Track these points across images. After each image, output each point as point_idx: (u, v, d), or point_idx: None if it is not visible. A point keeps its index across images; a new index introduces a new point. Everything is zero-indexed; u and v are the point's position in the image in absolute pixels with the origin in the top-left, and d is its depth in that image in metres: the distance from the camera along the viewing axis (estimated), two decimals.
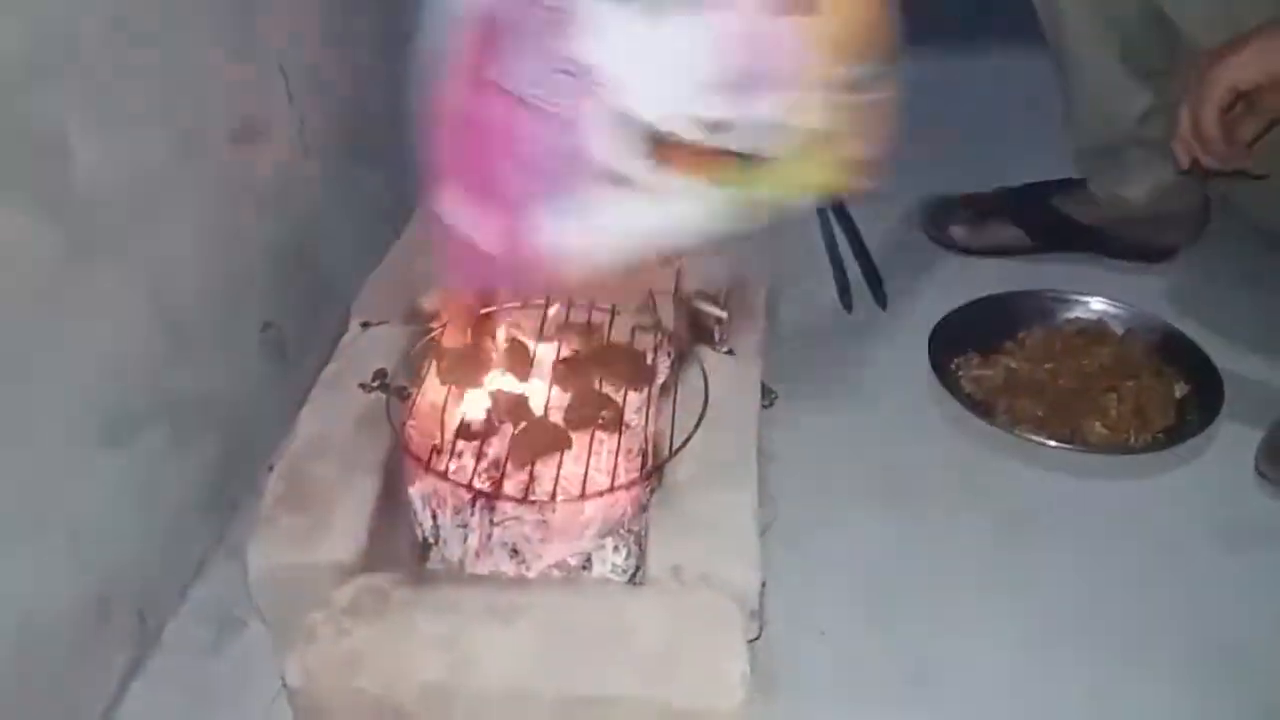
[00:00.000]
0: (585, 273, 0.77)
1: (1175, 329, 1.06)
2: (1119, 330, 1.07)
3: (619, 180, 0.73)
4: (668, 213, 0.76)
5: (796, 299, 1.17)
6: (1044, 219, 1.19)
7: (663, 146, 0.72)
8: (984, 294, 1.12)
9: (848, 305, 1.16)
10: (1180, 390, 1.01)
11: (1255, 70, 0.80)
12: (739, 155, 0.74)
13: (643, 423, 0.86)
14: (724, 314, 0.98)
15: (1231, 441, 0.97)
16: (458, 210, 0.77)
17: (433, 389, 0.88)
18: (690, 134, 0.72)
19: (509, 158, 0.74)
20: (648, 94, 0.71)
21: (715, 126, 0.72)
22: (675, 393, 0.88)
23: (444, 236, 0.78)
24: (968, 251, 1.22)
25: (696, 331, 0.97)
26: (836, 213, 1.29)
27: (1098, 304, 1.09)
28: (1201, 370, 1.01)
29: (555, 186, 0.74)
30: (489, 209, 0.76)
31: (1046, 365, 1.03)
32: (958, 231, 1.23)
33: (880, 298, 1.16)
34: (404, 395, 0.87)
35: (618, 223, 0.75)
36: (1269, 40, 0.79)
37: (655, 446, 0.84)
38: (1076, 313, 1.09)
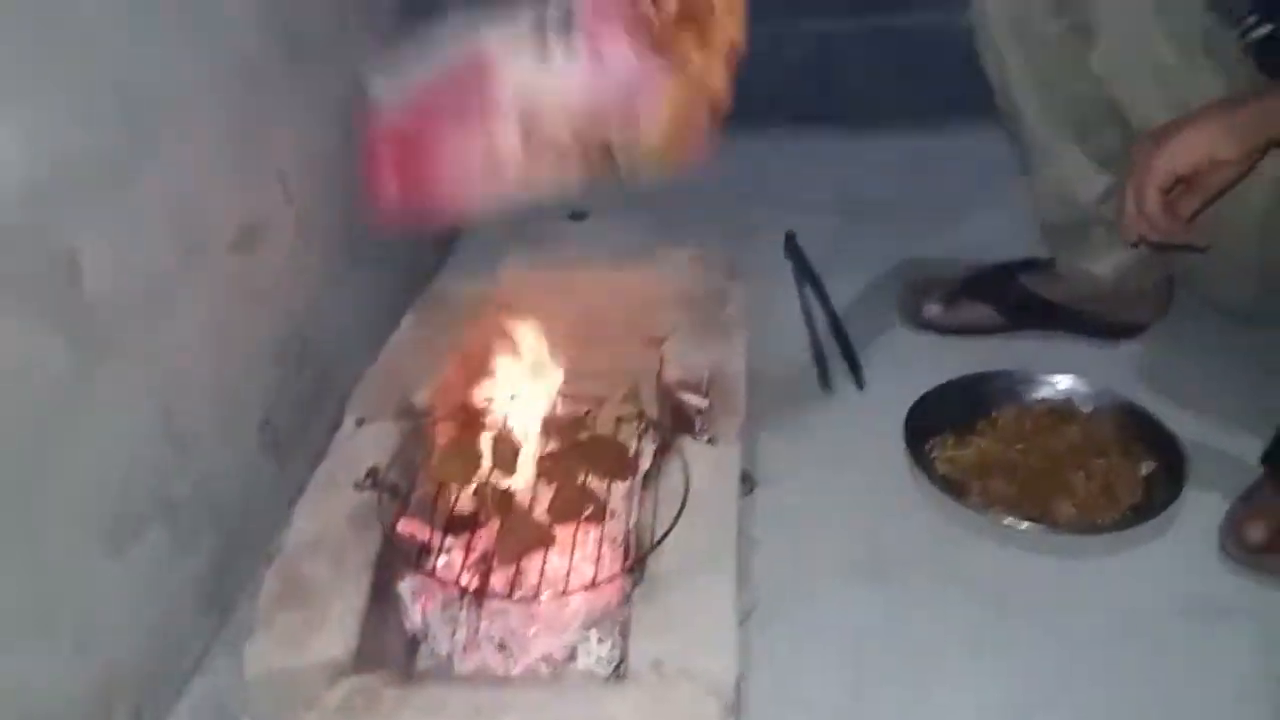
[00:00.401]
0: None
1: (1140, 407, 1.09)
2: (1087, 409, 1.11)
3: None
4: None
5: (778, 382, 1.21)
6: (1014, 297, 1.24)
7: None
8: (958, 373, 1.16)
9: (827, 386, 1.20)
10: (1147, 468, 1.04)
11: (1193, 154, 0.84)
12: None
13: (626, 515, 0.90)
14: (705, 403, 1.02)
15: (1197, 517, 1.00)
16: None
17: (423, 486, 0.92)
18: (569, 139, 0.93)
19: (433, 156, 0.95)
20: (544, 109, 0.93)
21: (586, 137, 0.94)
22: (657, 484, 0.92)
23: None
24: (943, 330, 1.27)
25: (679, 421, 1.01)
26: (816, 293, 1.35)
27: (1065, 383, 1.13)
28: (1167, 447, 1.05)
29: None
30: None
31: (1018, 445, 1.07)
32: (932, 311, 1.27)
33: (858, 379, 1.20)
34: (395, 493, 0.91)
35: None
36: (1205, 125, 0.84)
37: (638, 538, 0.88)
38: (1045, 392, 1.13)
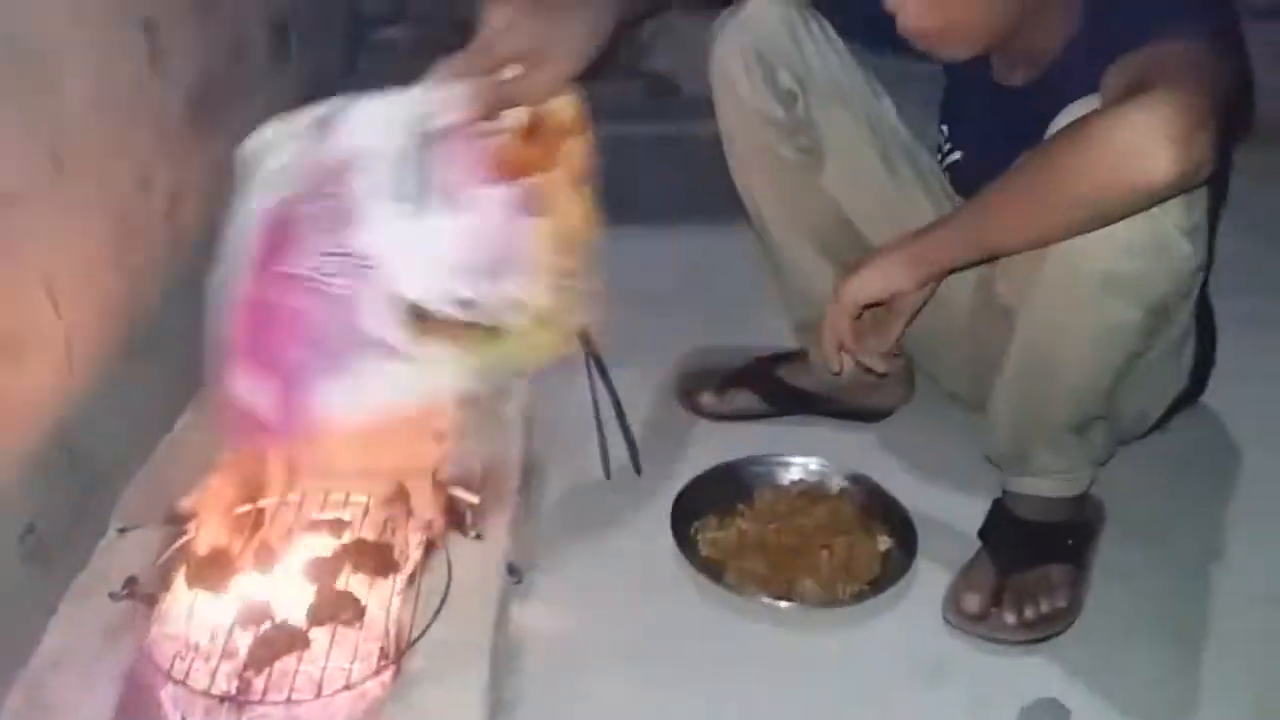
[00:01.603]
0: (352, 435, 0.88)
1: (881, 487, 1.20)
2: (835, 489, 1.21)
3: (386, 350, 0.86)
4: (427, 377, 0.89)
5: (562, 470, 1.27)
6: (775, 387, 1.34)
7: (423, 321, 0.86)
8: (727, 457, 1.25)
9: (607, 472, 1.27)
10: (884, 544, 1.15)
11: (876, 286, 0.95)
12: (486, 327, 0.89)
13: (387, 615, 0.93)
14: (475, 499, 1.07)
15: (926, 589, 1.10)
16: (242, 382, 0.87)
17: (181, 594, 0.93)
18: (445, 310, 0.87)
19: (290, 333, 0.85)
20: (411, 275, 0.86)
21: (466, 303, 0.88)
22: (420, 582, 0.96)
23: (228, 409, 0.87)
24: (715, 417, 1.36)
25: (451, 517, 1.05)
26: (604, 382, 1.42)
27: (816, 465, 1.23)
28: (902, 524, 1.16)
29: (330, 358, 0.85)
30: (270, 380, 0.86)
31: (771, 525, 1.16)
32: (706, 399, 1.36)
33: (636, 465, 1.28)
34: (152, 602, 0.91)
35: (384, 388, 0.87)
36: (884, 260, 0.96)
37: (397, 638, 0.91)
38: (799, 474, 1.23)
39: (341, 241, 0.84)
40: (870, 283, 0.95)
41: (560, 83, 0.87)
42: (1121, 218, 0.83)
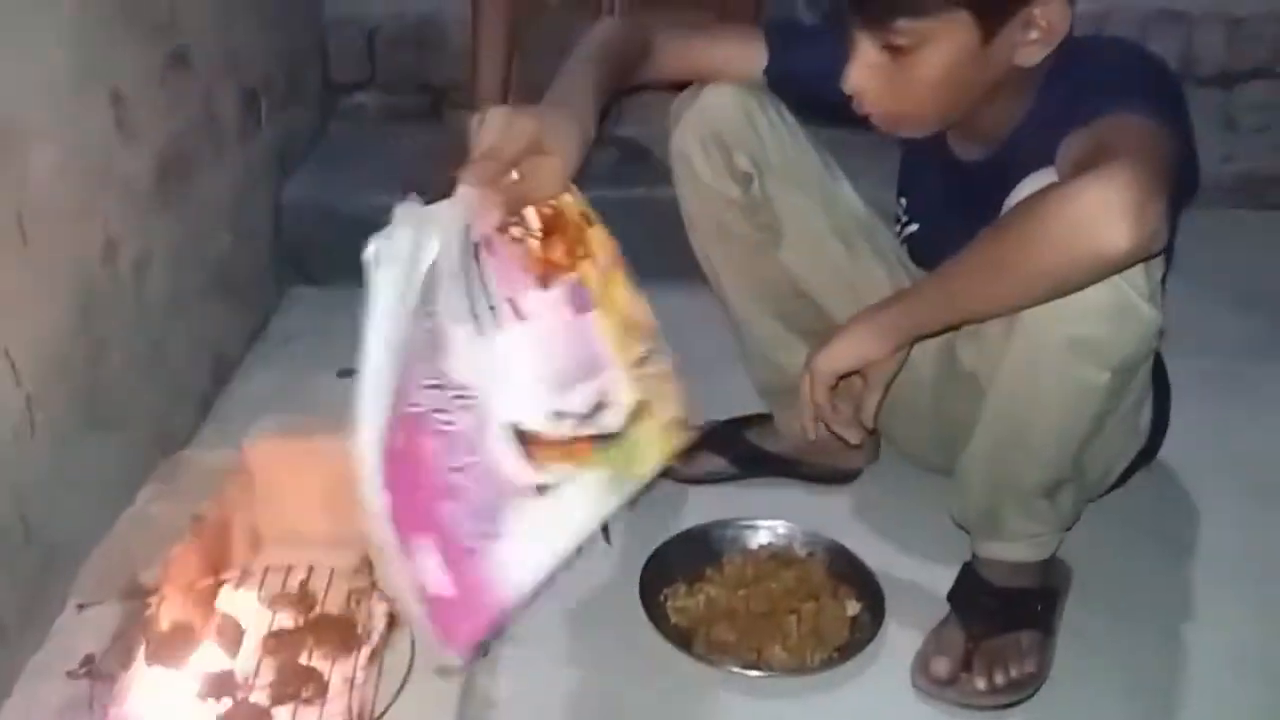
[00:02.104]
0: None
1: (848, 550, 1.20)
2: (803, 553, 1.21)
3: (523, 490, 0.82)
4: (575, 505, 0.87)
5: None
6: (743, 450, 1.35)
7: (533, 445, 0.84)
8: (695, 521, 1.25)
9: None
10: (853, 608, 1.14)
11: (850, 356, 0.97)
12: (594, 437, 0.88)
13: (349, 692, 0.91)
14: None
15: (896, 654, 1.10)
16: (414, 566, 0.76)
17: (141, 672, 0.91)
18: (549, 427, 0.84)
19: (442, 497, 0.78)
20: (505, 399, 0.83)
21: (562, 416, 0.86)
22: (383, 659, 0.95)
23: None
24: (685, 481, 1.36)
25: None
26: None
27: (784, 529, 1.23)
28: (871, 588, 1.16)
29: (484, 519, 0.80)
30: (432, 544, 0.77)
31: (740, 591, 1.15)
32: (674, 462, 1.36)
33: (606, 534, 1.27)
34: (111, 681, 0.89)
35: (546, 531, 0.84)
36: (855, 330, 0.97)
37: (360, 715, 0.90)
38: (768, 538, 1.23)
39: (438, 369, 0.80)
40: (843, 353, 0.97)
41: (565, 177, 0.88)
42: (1081, 287, 0.85)
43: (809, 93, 1.11)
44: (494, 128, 0.83)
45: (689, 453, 1.36)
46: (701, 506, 1.30)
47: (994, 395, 0.97)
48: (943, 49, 0.92)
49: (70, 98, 1.16)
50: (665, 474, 1.35)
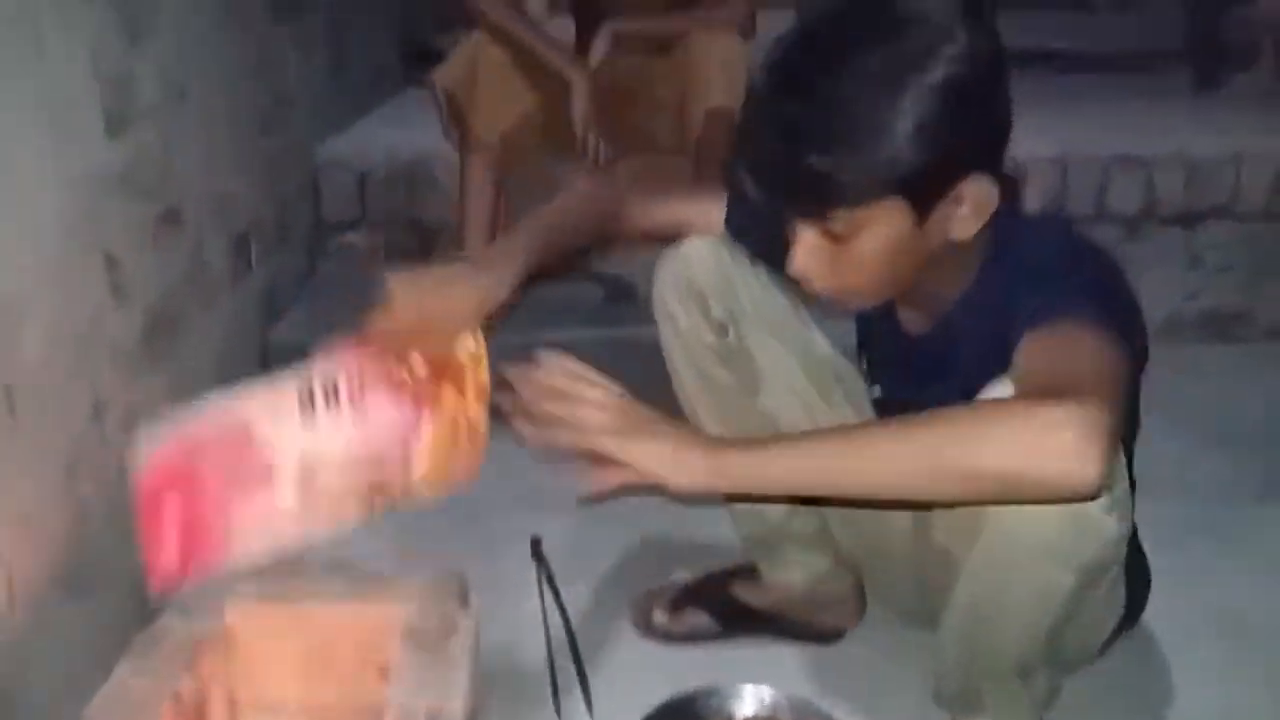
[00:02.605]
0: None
1: (829, 715, 1.19)
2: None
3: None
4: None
5: (510, 704, 1.24)
6: (727, 605, 1.34)
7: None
8: (680, 685, 1.23)
9: (558, 709, 1.25)
10: None
11: (654, 469, 0.90)
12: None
13: None
14: None
15: None
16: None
17: None
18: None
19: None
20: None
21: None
22: None
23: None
24: (669, 639, 1.35)
25: None
26: (556, 603, 1.41)
27: (769, 696, 1.21)
28: None
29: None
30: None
31: None
32: (659, 619, 1.36)
33: (588, 700, 1.26)
34: None
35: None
36: (691, 452, 0.90)
37: None
38: (753, 707, 1.21)
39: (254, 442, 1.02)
40: (652, 462, 0.89)
41: (454, 336, 1.06)
42: (1011, 503, 0.86)
43: (761, 254, 1.16)
44: (388, 298, 1.02)
45: (675, 608, 1.37)
46: (686, 667, 1.29)
47: (965, 581, 0.98)
48: (880, 232, 0.93)
49: (64, 266, 1.18)
50: (650, 631, 1.36)
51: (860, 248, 0.94)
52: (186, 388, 1.49)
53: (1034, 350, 0.86)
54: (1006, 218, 0.99)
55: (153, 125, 1.37)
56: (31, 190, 1.12)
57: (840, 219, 0.93)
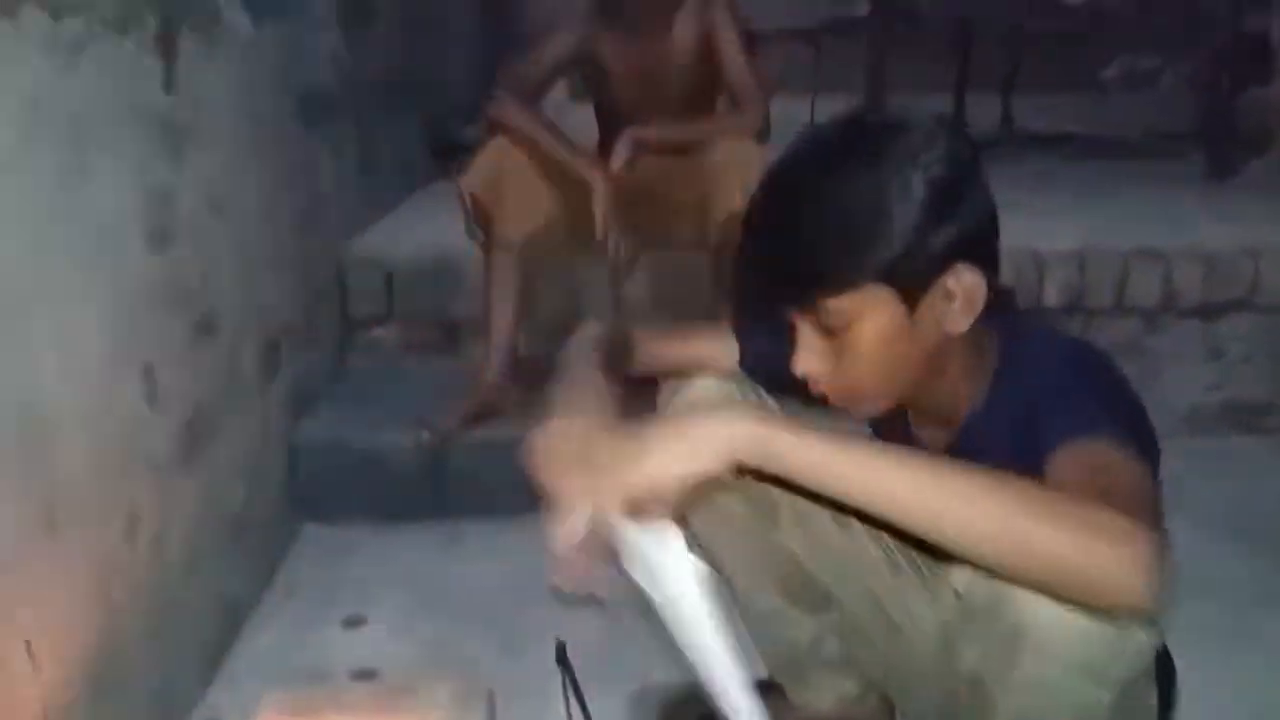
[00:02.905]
0: None
1: None
2: None
3: None
4: None
5: None
6: None
7: None
8: None
9: None
10: None
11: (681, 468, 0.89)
12: None
13: None
14: None
15: None
16: None
17: None
18: None
19: None
20: None
21: None
22: None
23: None
24: None
25: None
26: (582, 713, 1.40)
27: None
28: None
29: None
30: None
31: None
32: None
33: None
34: None
35: None
36: (720, 425, 0.88)
37: None
38: None
39: None
40: (661, 455, 0.88)
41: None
42: (1044, 591, 0.84)
43: (776, 378, 1.16)
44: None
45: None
46: None
47: (1003, 702, 0.98)
48: (874, 324, 0.95)
49: (103, 378, 1.21)
50: None
51: (855, 341, 0.96)
52: (217, 494, 1.52)
53: (1069, 470, 0.87)
54: (1012, 326, 1.01)
55: (192, 238, 1.42)
56: (75, 305, 1.16)
57: (831, 311, 0.95)
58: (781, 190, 0.97)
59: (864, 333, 0.96)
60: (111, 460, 1.22)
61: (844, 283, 0.94)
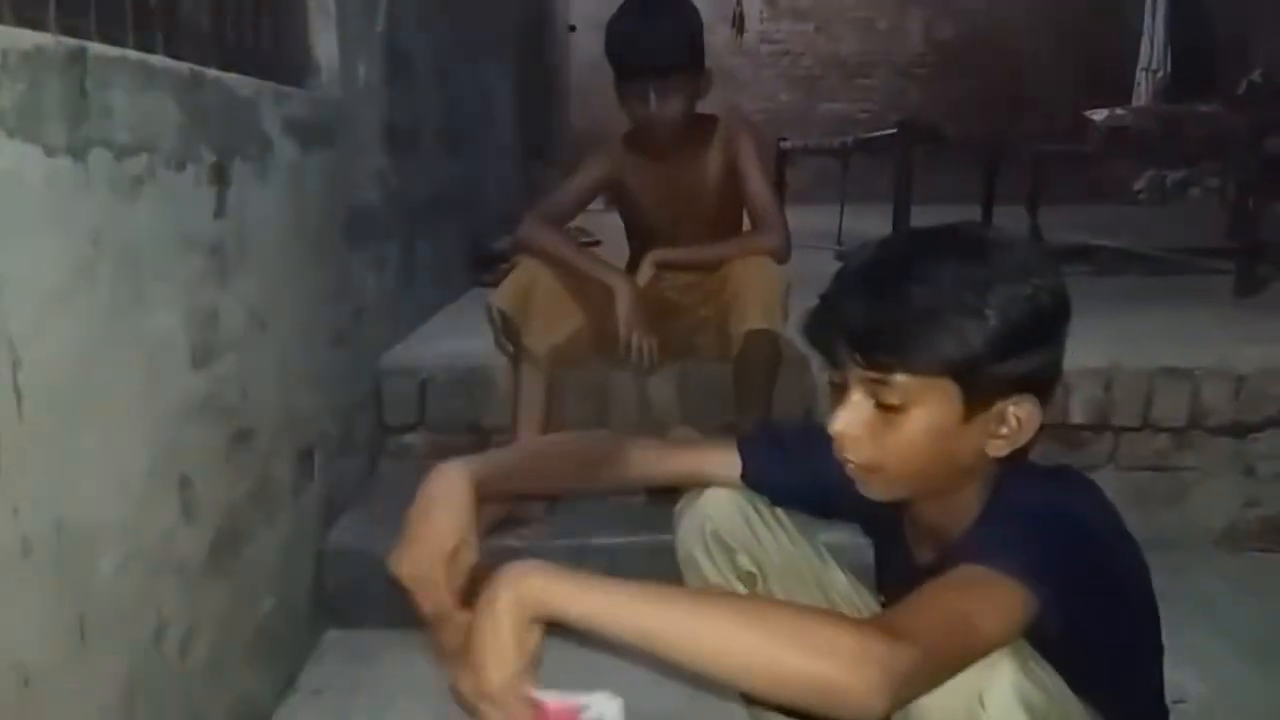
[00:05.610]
0: None
1: None
2: None
3: None
4: None
5: None
6: None
7: None
8: None
9: None
10: None
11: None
12: None
13: None
14: None
15: None
16: None
17: None
18: None
19: None
20: None
21: None
22: None
23: None
24: None
25: None
26: None
27: None
28: None
29: None
30: None
31: None
32: None
33: None
34: None
35: None
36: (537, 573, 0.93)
37: None
38: None
39: None
40: (498, 671, 0.91)
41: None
42: (801, 708, 0.87)
43: (779, 499, 1.22)
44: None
45: None
46: None
47: None
48: (928, 413, 0.98)
49: (142, 491, 1.25)
50: None
51: (904, 422, 0.99)
52: (244, 602, 1.55)
53: (929, 586, 0.89)
54: (1015, 466, 1.03)
55: (234, 355, 1.48)
56: (119, 422, 1.20)
57: (897, 387, 0.97)
58: (899, 258, 1.01)
59: (917, 418, 0.98)
60: (144, 569, 1.25)
61: (924, 365, 0.97)
